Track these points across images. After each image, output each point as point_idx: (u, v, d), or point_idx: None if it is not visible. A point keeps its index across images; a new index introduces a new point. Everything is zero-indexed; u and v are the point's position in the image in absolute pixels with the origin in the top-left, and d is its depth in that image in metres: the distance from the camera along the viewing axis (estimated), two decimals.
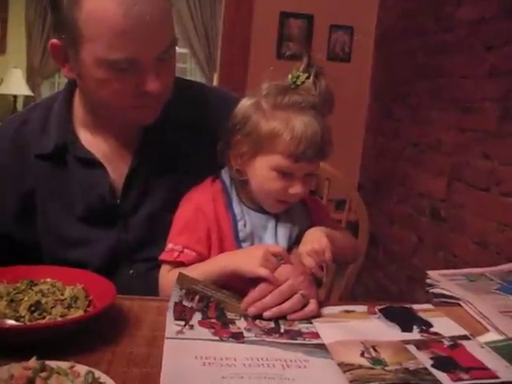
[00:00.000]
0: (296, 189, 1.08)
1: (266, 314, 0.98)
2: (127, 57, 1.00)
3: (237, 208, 1.12)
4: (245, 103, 1.11)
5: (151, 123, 1.14)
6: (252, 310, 0.99)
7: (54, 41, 1.07)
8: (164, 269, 1.09)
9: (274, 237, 1.12)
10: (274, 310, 0.98)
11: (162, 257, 1.10)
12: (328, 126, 1.09)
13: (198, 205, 1.12)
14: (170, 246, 1.09)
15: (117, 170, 1.17)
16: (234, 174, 1.13)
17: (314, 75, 1.08)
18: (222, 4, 3.71)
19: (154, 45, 1.02)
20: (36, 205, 1.19)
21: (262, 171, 1.08)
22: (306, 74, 1.08)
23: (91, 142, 1.18)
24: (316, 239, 1.06)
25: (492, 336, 0.97)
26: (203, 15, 6.25)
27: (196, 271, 1.04)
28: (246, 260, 1.01)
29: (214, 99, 1.29)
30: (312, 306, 1.01)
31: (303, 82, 1.07)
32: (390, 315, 1.03)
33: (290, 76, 1.08)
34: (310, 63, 1.09)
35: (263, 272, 0.98)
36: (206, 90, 1.37)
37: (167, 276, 1.07)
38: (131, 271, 1.18)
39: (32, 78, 5.97)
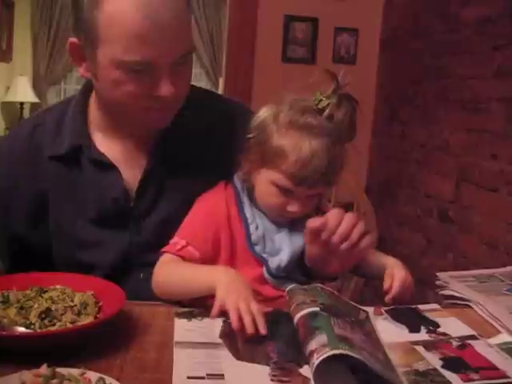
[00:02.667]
0: (294, 207, 1.09)
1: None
2: (143, 60, 1.00)
3: (248, 212, 1.13)
4: (266, 110, 1.10)
5: (164, 128, 1.14)
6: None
7: (73, 39, 1.08)
8: (163, 258, 1.10)
9: (289, 241, 1.12)
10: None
11: (165, 248, 1.10)
12: (341, 155, 1.08)
13: (210, 206, 1.13)
14: (175, 239, 1.10)
15: (131, 173, 1.18)
16: (243, 176, 1.14)
17: (336, 104, 1.07)
18: (226, 8, 3.72)
19: (171, 49, 1.02)
20: (48, 206, 1.19)
21: (264, 183, 1.09)
22: (329, 101, 1.06)
23: (106, 144, 1.18)
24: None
25: (504, 337, 0.96)
26: (208, 19, 6.28)
27: (188, 269, 1.06)
28: (228, 293, 0.94)
29: (223, 104, 1.30)
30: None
31: (324, 108, 1.06)
32: (397, 316, 1.03)
33: (314, 97, 1.07)
34: (335, 90, 1.08)
35: (215, 311, 0.94)
36: (214, 95, 1.39)
37: (162, 266, 1.08)
38: (141, 274, 1.17)
39: (38, 85, 6.00)
